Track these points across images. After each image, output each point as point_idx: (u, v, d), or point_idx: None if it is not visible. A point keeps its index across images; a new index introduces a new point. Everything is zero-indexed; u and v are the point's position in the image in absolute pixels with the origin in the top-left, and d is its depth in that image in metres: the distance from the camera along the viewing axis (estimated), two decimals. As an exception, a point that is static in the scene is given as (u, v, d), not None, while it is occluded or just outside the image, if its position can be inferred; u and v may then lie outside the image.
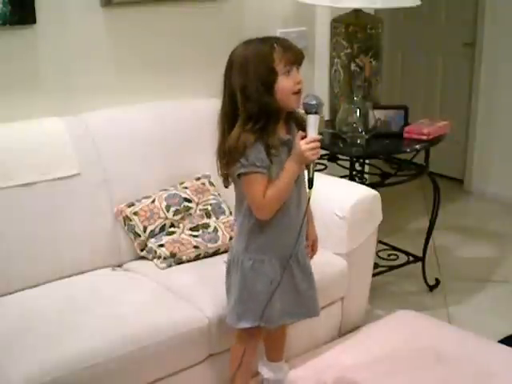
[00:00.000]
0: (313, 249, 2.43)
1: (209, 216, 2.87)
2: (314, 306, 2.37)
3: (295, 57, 2.11)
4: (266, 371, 2.53)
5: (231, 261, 2.29)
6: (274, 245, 2.22)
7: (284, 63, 2.08)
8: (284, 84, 2.08)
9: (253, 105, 2.08)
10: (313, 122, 2.11)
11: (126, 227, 2.78)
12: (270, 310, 2.22)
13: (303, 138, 2.11)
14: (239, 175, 2.13)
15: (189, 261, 2.74)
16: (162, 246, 2.73)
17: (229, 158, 2.12)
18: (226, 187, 2.24)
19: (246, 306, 2.25)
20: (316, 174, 2.19)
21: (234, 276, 2.27)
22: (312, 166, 2.13)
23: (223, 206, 2.92)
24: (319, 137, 2.12)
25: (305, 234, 2.32)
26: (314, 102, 2.10)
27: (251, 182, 2.12)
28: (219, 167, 2.18)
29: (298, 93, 2.11)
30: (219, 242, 2.79)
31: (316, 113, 2.11)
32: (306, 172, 2.16)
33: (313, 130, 2.11)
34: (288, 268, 2.23)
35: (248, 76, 2.07)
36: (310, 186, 2.14)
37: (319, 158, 2.30)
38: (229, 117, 2.13)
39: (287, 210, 2.19)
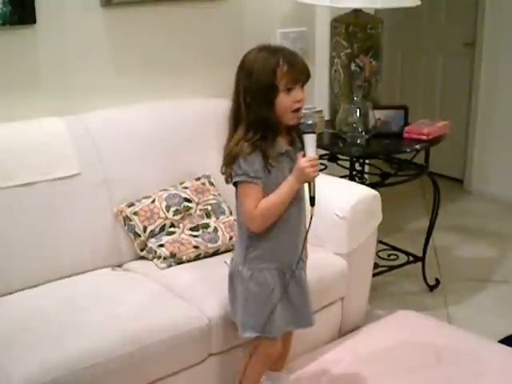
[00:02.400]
0: None
1: (209, 216, 2.86)
2: (309, 316, 2.35)
3: (298, 76, 2.11)
4: (264, 379, 2.53)
5: (233, 272, 2.30)
6: (272, 256, 2.22)
7: (286, 81, 2.09)
8: (283, 101, 2.10)
9: (252, 114, 2.11)
10: (310, 142, 2.13)
11: (126, 227, 2.78)
12: (273, 319, 2.22)
13: (303, 156, 2.14)
14: (235, 183, 2.17)
15: (189, 261, 2.74)
16: (161, 246, 2.73)
17: (226, 161, 2.16)
18: (227, 183, 2.25)
19: (252, 317, 2.25)
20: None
21: (238, 287, 2.27)
22: (313, 184, 2.15)
23: (223, 205, 2.92)
24: (317, 156, 2.15)
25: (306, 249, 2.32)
26: (310, 122, 2.12)
27: (244, 192, 2.15)
28: (222, 163, 2.20)
29: (296, 110, 2.13)
30: (219, 242, 2.79)
31: (313, 132, 2.13)
32: (307, 190, 2.18)
33: (311, 149, 2.13)
34: (285, 280, 2.23)
35: (251, 85, 2.10)
36: (312, 203, 2.16)
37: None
38: (234, 116, 2.17)
39: (286, 224, 2.20)
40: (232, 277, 2.31)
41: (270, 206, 2.13)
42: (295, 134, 2.20)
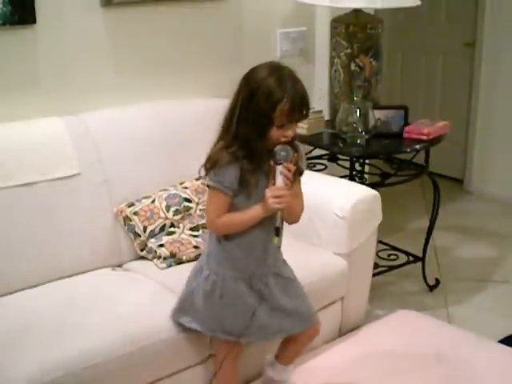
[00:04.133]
0: None
1: (209, 216, 2.86)
2: (302, 319, 2.37)
3: (295, 118, 2.10)
4: (270, 370, 2.53)
5: (198, 267, 2.33)
6: (231, 264, 2.23)
7: (282, 119, 2.07)
8: (273, 134, 2.09)
9: (242, 131, 2.10)
10: (279, 173, 2.11)
11: (126, 227, 2.78)
12: (221, 322, 2.25)
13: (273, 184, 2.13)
14: (208, 185, 2.19)
15: (189, 261, 2.73)
16: (161, 246, 2.73)
17: (205, 166, 2.16)
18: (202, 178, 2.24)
19: (185, 307, 2.30)
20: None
21: (198, 283, 2.29)
22: (279, 215, 2.12)
23: (223, 205, 2.92)
24: (285, 187, 2.11)
25: (277, 260, 2.31)
26: (284, 154, 2.11)
27: (213, 198, 2.18)
28: (203, 166, 2.20)
29: (280, 142, 2.12)
30: (219, 242, 2.79)
31: (281, 164, 2.11)
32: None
33: (279, 180, 2.11)
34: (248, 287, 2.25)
35: (248, 107, 2.08)
36: (277, 233, 2.13)
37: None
38: (225, 123, 2.15)
39: (252, 238, 2.21)
40: (195, 271, 2.33)
41: (229, 224, 2.17)
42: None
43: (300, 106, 2.09)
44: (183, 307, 2.33)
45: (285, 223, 2.20)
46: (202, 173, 2.18)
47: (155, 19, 3.10)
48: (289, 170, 2.12)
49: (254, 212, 2.14)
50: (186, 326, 2.32)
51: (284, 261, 2.35)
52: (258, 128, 2.08)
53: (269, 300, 2.27)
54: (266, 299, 2.26)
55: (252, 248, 2.23)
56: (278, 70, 2.11)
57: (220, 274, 2.24)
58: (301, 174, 2.26)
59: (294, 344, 2.46)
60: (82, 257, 2.68)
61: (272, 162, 2.12)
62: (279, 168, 2.11)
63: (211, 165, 2.14)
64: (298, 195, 2.26)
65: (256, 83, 2.08)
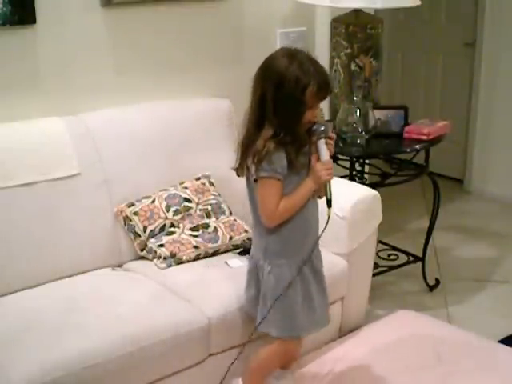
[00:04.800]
0: None
1: (209, 216, 2.87)
2: (326, 316, 2.42)
3: (323, 96, 2.20)
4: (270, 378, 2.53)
5: (253, 268, 2.35)
6: (292, 249, 2.27)
7: (312, 101, 2.16)
8: (306, 116, 2.18)
9: (280, 121, 2.15)
10: (323, 146, 2.23)
11: (126, 227, 2.78)
12: (294, 317, 2.27)
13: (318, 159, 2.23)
14: (256, 179, 2.19)
15: (189, 261, 2.74)
16: (161, 246, 2.73)
17: (254, 159, 2.18)
18: (239, 176, 2.30)
19: (274, 314, 2.28)
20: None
21: (261, 283, 2.31)
22: (328, 186, 2.24)
23: (223, 205, 2.92)
24: (331, 160, 2.24)
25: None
26: (323, 129, 2.22)
27: (268, 187, 2.19)
28: (237, 157, 2.26)
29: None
30: (219, 242, 2.79)
31: (326, 137, 2.23)
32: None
33: (325, 154, 2.22)
34: (304, 275, 2.29)
35: (280, 96, 2.13)
36: (329, 205, 2.24)
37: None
38: (256, 117, 2.19)
39: (305, 217, 2.27)
40: (252, 273, 2.35)
41: (289, 207, 2.21)
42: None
43: (325, 84, 2.18)
44: (271, 319, 2.31)
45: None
46: (252, 168, 2.19)
47: (155, 19, 3.10)
48: (330, 140, 2.25)
49: (307, 187, 2.22)
50: (272, 335, 2.33)
51: None
52: (296, 114, 2.16)
53: (311, 288, 2.32)
54: (309, 287, 2.31)
55: (309, 225, 2.30)
56: (295, 56, 2.16)
57: (283, 264, 2.26)
58: None
59: None
60: (81, 257, 2.68)
61: (315, 139, 2.21)
62: (321, 142, 2.21)
63: (261, 157, 2.16)
64: None
65: (280, 74, 2.13)
